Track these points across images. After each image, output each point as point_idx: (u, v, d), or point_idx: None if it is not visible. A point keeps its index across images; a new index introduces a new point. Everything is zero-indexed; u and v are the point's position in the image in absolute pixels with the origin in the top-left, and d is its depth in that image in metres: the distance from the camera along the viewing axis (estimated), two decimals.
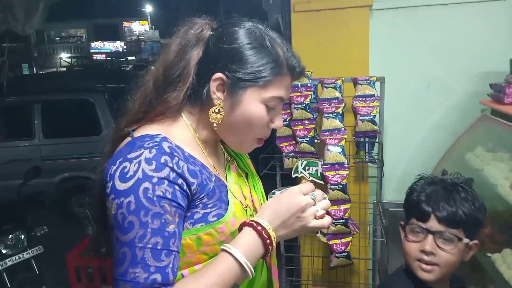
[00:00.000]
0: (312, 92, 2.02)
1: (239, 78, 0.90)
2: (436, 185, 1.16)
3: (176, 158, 0.85)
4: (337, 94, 2.01)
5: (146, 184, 0.80)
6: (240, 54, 0.90)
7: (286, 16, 2.34)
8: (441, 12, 2.23)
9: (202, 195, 0.89)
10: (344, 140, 1.97)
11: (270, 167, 2.25)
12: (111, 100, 5.49)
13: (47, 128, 5.49)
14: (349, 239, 2.04)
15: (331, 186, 1.95)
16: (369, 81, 2.00)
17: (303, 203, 0.87)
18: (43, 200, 4.93)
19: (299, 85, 2.02)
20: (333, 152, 1.95)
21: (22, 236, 3.08)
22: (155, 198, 0.80)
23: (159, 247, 0.80)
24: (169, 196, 0.82)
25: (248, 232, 0.86)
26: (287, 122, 2.09)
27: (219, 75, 0.91)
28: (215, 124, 0.94)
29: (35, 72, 13.11)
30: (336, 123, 1.98)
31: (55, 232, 3.51)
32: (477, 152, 2.19)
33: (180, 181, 0.84)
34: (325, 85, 2.03)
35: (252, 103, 0.91)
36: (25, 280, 3.11)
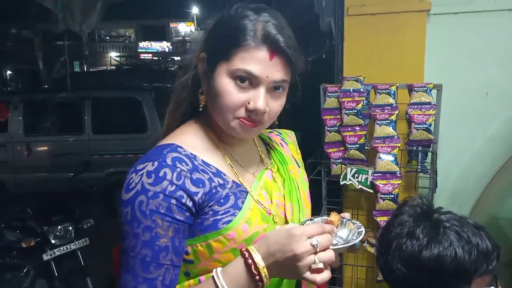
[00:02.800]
0: (364, 98, 1.97)
1: (211, 53, 0.91)
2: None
3: (178, 169, 0.85)
4: (391, 100, 1.95)
5: (142, 197, 0.83)
6: (210, 32, 0.93)
7: (339, 19, 2.29)
8: (504, 18, 2.12)
9: (212, 203, 0.88)
10: (397, 148, 1.90)
11: (317, 173, 2.21)
12: (157, 98, 5.62)
13: (96, 124, 5.68)
14: None
15: (382, 196, 1.89)
16: (426, 88, 1.92)
17: (299, 251, 0.77)
18: (90, 193, 5.11)
19: (351, 90, 1.98)
20: (385, 160, 1.89)
21: (70, 228, 3.18)
22: (147, 212, 0.82)
23: (148, 259, 0.83)
24: (162, 211, 0.83)
25: (239, 262, 0.83)
26: (337, 128, 2.05)
27: (202, 54, 0.94)
28: (201, 105, 0.95)
29: (85, 69, 13.63)
30: (389, 130, 1.92)
31: (101, 225, 3.61)
32: None
33: (178, 193, 0.84)
34: (379, 91, 1.97)
35: (220, 78, 0.88)
36: (71, 271, 3.22)
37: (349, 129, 1.99)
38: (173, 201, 0.83)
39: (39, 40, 12.06)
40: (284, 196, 1.03)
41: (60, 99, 6.18)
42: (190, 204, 0.85)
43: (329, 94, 2.07)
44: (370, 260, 2.27)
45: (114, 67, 16.53)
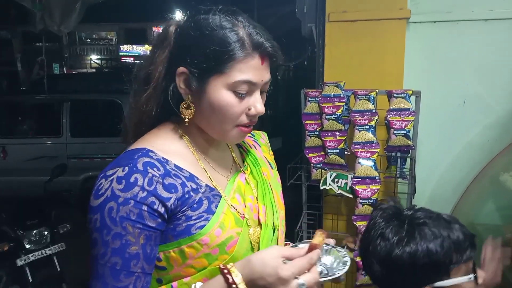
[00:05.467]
0: (344, 103, 1.99)
1: (198, 68, 0.88)
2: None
3: (150, 175, 0.83)
4: (371, 106, 1.96)
5: (112, 204, 0.81)
6: (195, 44, 0.88)
7: (321, 25, 2.31)
8: (482, 28, 2.16)
9: (185, 208, 0.87)
10: (377, 153, 1.92)
11: (297, 178, 2.21)
12: None
13: (74, 127, 5.59)
14: None
15: (361, 201, 1.90)
16: (405, 95, 1.95)
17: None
18: (67, 197, 5.02)
19: (331, 96, 1.99)
20: (365, 165, 1.90)
21: (46, 232, 3.11)
22: (117, 219, 0.80)
23: (118, 267, 0.81)
24: (133, 218, 0.81)
25: (219, 281, 0.82)
26: (317, 133, 2.05)
27: (181, 69, 0.90)
28: (186, 120, 0.92)
29: (65, 72, 13.42)
30: (369, 135, 1.93)
31: (77, 230, 3.53)
32: None
33: (150, 199, 0.82)
34: (358, 96, 1.99)
35: (218, 92, 0.88)
36: (46, 276, 3.13)
37: (329, 134, 2.00)
38: (145, 208, 0.82)
39: (18, 41, 11.84)
40: (257, 198, 1.02)
41: (38, 101, 6.07)
42: (162, 210, 0.84)
43: (309, 99, 2.07)
44: (350, 265, 2.27)
45: (94, 70, 16.33)
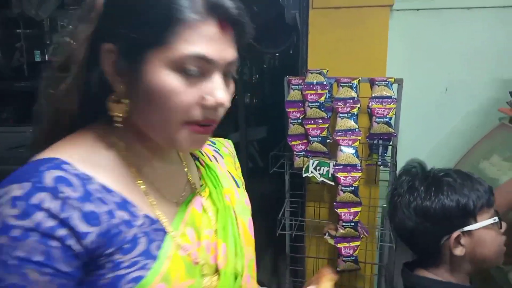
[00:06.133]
0: (327, 91, 1.98)
1: (129, 42, 0.62)
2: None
3: (62, 195, 0.57)
4: (353, 94, 1.96)
5: (3, 240, 0.54)
6: (126, 9, 0.62)
7: (304, 12, 2.29)
8: (465, 16, 2.17)
9: (111, 250, 0.60)
10: (358, 141, 1.92)
11: (280, 166, 2.21)
12: None
13: None
14: (357, 243, 1.99)
15: (342, 188, 1.91)
16: (387, 82, 1.95)
17: None
18: None
19: (314, 83, 1.98)
20: (346, 153, 1.91)
21: None
22: (14, 262, 0.53)
23: None
24: (37, 258, 0.54)
25: None
26: (300, 120, 2.04)
27: (107, 46, 0.64)
28: (118, 119, 0.66)
29: (47, 59, 13.19)
30: (351, 123, 1.93)
31: None
32: (493, 160, 2.13)
33: (61, 232, 0.55)
34: (341, 84, 1.98)
35: (156, 73, 0.61)
36: None
37: (312, 121, 1.99)
38: (54, 244, 0.55)
39: None
40: (216, 232, 0.76)
41: (18, 88, 5.94)
42: (78, 248, 0.57)
43: (292, 86, 2.06)
44: (331, 252, 2.29)
45: None
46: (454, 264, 1.16)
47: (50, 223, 0.55)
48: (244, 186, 0.93)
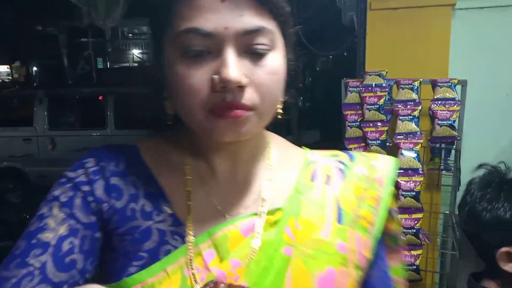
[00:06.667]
0: (386, 93, 1.94)
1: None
2: None
3: (103, 164, 0.64)
4: (414, 96, 1.91)
5: (56, 182, 0.65)
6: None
7: (362, 14, 2.26)
8: None
9: (122, 231, 0.62)
10: (420, 145, 1.87)
11: None
12: None
13: (118, 119, 5.77)
14: (419, 251, 1.93)
15: (403, 193, 1.86)
16: (450, 84, 1.88)
17: None
18: None
19: (373, 85, 1.95)
20: (407, 156, 1.86)
21: None
22: (50, 198, 0.63)
23: (17, 252, 0.59)
24: (63, 199, 0.62)
25: None
26: (358, 123, 2.02)
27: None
28: (169, 117, 0.64)
29: (108, 66, 13.85)
30: (412, 126, 1.89)
31: None
32: None
33: (86, 188, 0.63)
34: (401, 86, 1.94)
35: (168, 60, 0.59)
36: None
37: (371, 124, 1.96)
38: (79, 194, 0.62)
39: (63, 36, 12.27)
40: (247, 268, 0.60)
41: (84, 94, 6.29)
42: (94, 207, 0.63)
43: (350, 89, 2.04)
44: None
45: (136, 64, 16.74)
46: (506, 279, 1.09)
47: (82, 178, 0.63)
48: (364, 227, 0.65)
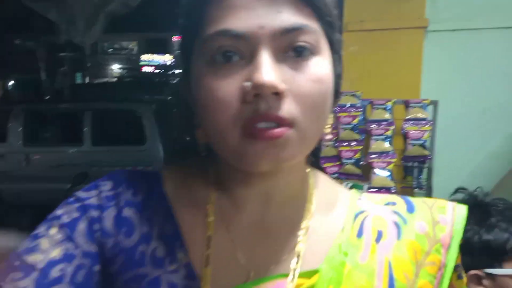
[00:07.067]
0: (360, 113, 1.98)
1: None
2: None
3: (120, 190, 0.55)
4: (387, 116, 1.95)
5: (64, 201, 0.56)
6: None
7: None
8: (502, 35, 2.13)
9: (127, 277, 0.52)
10: (393, 164, 1.90)
11: None
12: (158, 111, 5.64)
13: (95, 135, 5.69)
14: None
15: None
16: (422, 104, 1.93)
17: None
18: None
19: (348, 105, 1.98)
20: (380, 176, 1.89)
21: None
22: (51, 217, 0.54)
23: None
24: (66, 220, 0.52)
25: None
26: (333, 142, 2.04)
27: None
28: (201, 147, 0.55)
29: (87, 81, 13.74)
30: (385, 146, 1.92)
31: None
32: None
33: (94, 214, 0.53)
34: (375, 106, 1.98)
35: (195, 72, 0.49)
36: None
37: (345, 143, 1.99)
38: (85, 218, 0.53)
39: (42, 51, 12.18)
40: None
41: (60, 110, 6.20)
42: (98, 237, 0.53)
43: None
44: None
45: (115, 79, 16.67)
46: None
47: (94, 201, 0.54)
48: None
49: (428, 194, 2.00)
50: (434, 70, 2.22)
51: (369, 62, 2.23)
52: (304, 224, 0.54)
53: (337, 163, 2.06)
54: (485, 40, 2.17)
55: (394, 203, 0.57)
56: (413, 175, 2.02)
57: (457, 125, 2.24)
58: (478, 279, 1.03)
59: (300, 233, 0.53)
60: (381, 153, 1.92)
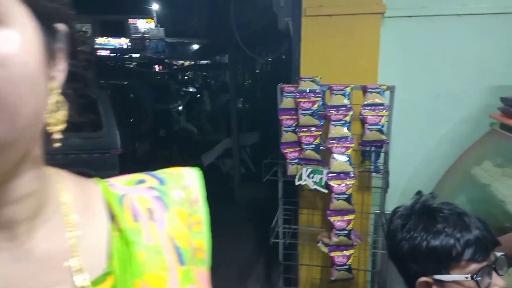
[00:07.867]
0: (320, 99, 1.98)
1: None
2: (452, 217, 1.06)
3: None
4: (346, 101, 1.97)
5: None
6: None
7: (297, 19, 2.30)
8: (455, 23, 2.19)
9: None
10: (351, 148, 1.93)
11: (273, 173, 2.21)
12: (113, 96, 5.46)
13: None
14: (351, 251, 1.99)
15: (336, 196, 1.91)
16: (379, 90, 1.96)
17: None
18: None
19: (307, 91, 1.98)
20: (339, 160, 1.91)
21: None
22: None
23: None
24: None
25: None
26: (293, 128, 2.05)
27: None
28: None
29: None
30: (344, 131, 1.94)
31: None
32: (485, 166, 2.14)
33: None
34: (334, 91, 1.99)
35: None
36: None
37: (305, 129, 1.99)
38: None
39: None
40: None
41: None
42: None
43: (286, 94, 2.06)
44: (325, 260, 2.29)
45: None
46: None
47: None
48: (202, 262, 0.56)
49: (385, 177, 2.04)
50: (391, 56, 2.25)
51: (328, 47, 2.23)
52: (68, 234, 0.46)
53: (298, 148, 2.06)
54: (440, 27, 2.23)
55: (143, 181, 0.56)
56: (371, 160, 2.06)
57: (412, 110, 2.30)
58: (427, 286, 1.03)
59: (68, 244, 0.45)
60: (340, 138, 1.94)
